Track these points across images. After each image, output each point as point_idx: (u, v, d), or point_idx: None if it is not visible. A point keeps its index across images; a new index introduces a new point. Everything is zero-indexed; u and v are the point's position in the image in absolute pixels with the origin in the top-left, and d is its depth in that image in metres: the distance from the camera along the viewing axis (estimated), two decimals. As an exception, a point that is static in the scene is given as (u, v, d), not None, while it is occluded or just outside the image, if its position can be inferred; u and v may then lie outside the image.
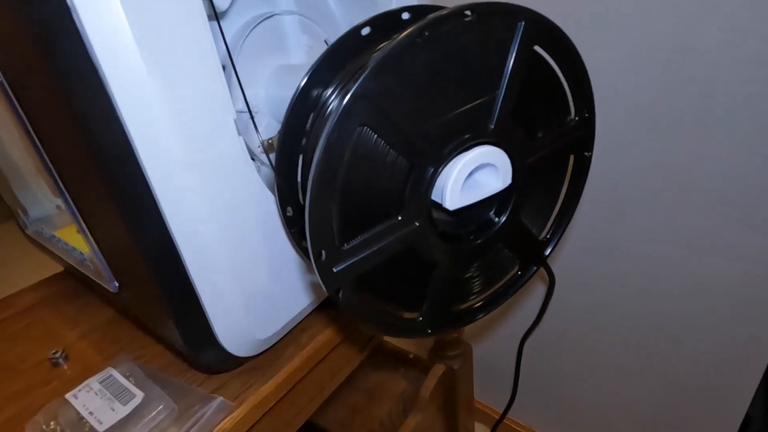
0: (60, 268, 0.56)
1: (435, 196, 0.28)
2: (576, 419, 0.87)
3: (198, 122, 0.28)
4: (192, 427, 0.33)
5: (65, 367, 0.41)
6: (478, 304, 0.36)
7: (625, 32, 0.52)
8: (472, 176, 0.30)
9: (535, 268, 0.37)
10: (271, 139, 0.36)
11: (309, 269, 0.37)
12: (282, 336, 0.39)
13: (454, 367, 0.76)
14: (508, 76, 0.26)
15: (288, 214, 0.32)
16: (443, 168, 0.27)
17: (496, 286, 0.36)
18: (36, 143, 0.32)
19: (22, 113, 0.31)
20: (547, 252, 0.37)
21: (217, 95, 0.28)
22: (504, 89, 0.27)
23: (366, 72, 0.22)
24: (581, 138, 0.33)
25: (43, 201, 0.50)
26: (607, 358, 0.76)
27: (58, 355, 0.41)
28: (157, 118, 0.26)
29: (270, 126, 0.40)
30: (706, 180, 0.54)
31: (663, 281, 0.63)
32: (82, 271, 0.43)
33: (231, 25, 0.38)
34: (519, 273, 0.36)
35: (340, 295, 0.27)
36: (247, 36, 0.39)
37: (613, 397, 0.80)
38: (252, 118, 0.34)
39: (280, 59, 0.42)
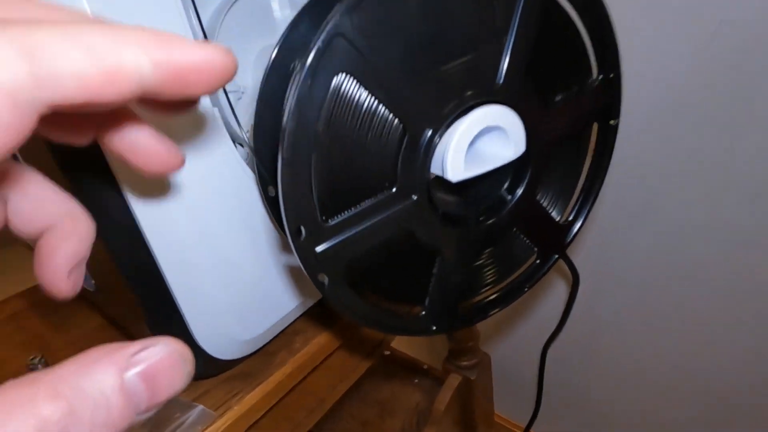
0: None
1: (435, 167, 0.24)
2: (608, 436, 0.80)
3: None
4: (167, 439, 0.29)
5: (44, 374, 0.38)
6: (490, 299, 0.31)
7: (653, 3, 0.47)
8: (479, 144, 0.25)
9: (556, 256, 0.32)
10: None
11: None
12: (271, 338, 0.35)
13: (470, 377, 0.71)
14: (518, 18, 0.22)
15: (270, 195, 0.28)
16: (443, 132, 0.23)
17: (511, 278, 0.31)
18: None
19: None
20: (569, 238, 0.32)
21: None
22: (513, 35, 0.23)
23: (344, 5, 0.18)
24: (605, 103, 0.29)
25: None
26: (641, 369, 0.70)
27: (36, 361, 0.38)
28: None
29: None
30: (746, 169, 0.49)
31: (703, 282, 0.57)
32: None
33: (207, 4, 0.36)
34: (537, 262, 0.31)
35: (326, 282, 0.23)
36: (225, 15, 0.36)
37: (649, 415, 0.72)
38: (227, 98, 0.31)
39: (268, 39, 0.39)
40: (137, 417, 0.10)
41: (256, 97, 0.38)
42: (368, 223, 0.23)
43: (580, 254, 0.66)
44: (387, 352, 0.90)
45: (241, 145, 0.33)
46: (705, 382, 0.64)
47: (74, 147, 0.23)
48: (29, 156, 0.28)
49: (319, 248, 0.22)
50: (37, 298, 0.50)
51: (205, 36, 0.30)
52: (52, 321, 0.46)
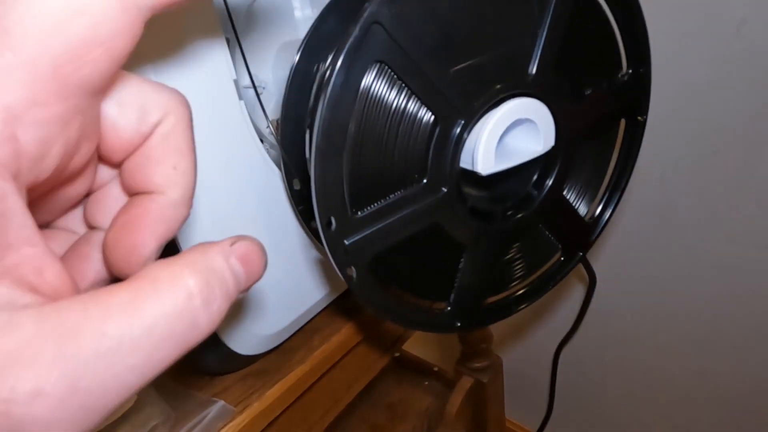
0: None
1: (465, 160, 0.24)
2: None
3: (189, 79, 0.24)
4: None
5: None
6: (514, 296, 0.31)
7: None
8: (509, 138, 0.25)
9: (581, 254, 0.31)
10: (278, 120, 0.33)
11: (320, 252, 0.33)
12: (291, 334, 0.34)
13: (482, 380, 0.70)
14: (552, 10, 0.22)
15: (295, 188, 0.28)
16: (474, 123, 0.23)
17: (535, 276, 0.31)
18: None
19: None
20: (594, 236, 0.32)
21: (212, 51, 0.25)
22: (546, 29, 0.23)
23: (381, -7, 0.18)
24: (634, 98, 0.29)
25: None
26: (657, 374, 0.68)
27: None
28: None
29: (279, 107, 0.37)
30: (768, 167, 0.48)
31: (722, 285, 0.56)
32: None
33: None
34: (562, 260, 0.31)
35: (354, 275, 0.23)
36: (251, 5, 0.36)
37: (664, 422, 0.71)
38: (257, 92, 0.31)
39: (288, 36, 0.39)
40: (240, 294, 0.12)
41: (276, 92, 0.38)
42: (397, 216, 0.23)
43: (596, 256, 0.65)
44: (397, 354, 0.89)
45: (261, 141, 0.33)
46: (723, 388, 0.62)
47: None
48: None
49: (348, 240, 0.22)
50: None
51: (232, 22, 0.29)
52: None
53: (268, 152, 0.31)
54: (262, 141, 0.32)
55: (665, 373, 0.67)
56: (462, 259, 0.26)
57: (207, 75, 0.25)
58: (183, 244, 0.26)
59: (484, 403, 0.72)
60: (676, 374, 0.66)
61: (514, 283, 0.30)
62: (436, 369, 0.81)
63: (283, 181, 0.29)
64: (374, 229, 0.23)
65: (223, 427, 0.30)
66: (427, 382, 0.80)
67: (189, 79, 0.24)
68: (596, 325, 0.71)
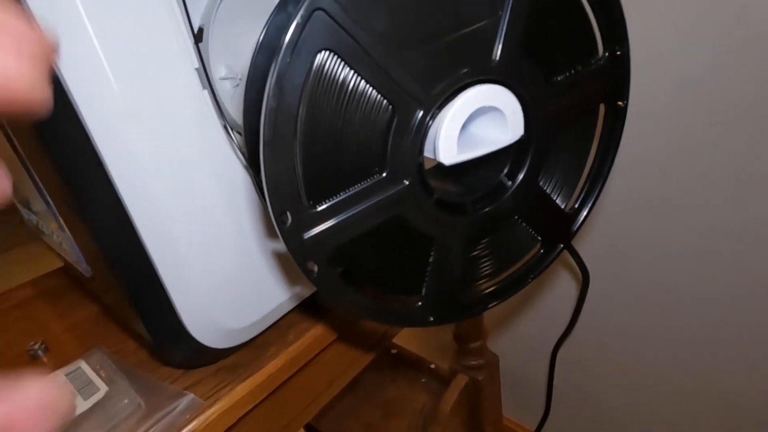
0: (59, 264, 0.54)
1: (427, 149, 0.23)
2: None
3: (142, 66, 0.24)
4: (155, 424, 0.29)
5: (44, 359, 0.38)
6: (492, 290, 0.30)
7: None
8: (475, 126, 0.24)
9: (561, 246, 0.30)
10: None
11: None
12: (262, 329, 0.34)
13: (478, 378, 0.69)
14: (512, -9, 0.21)
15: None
16: (436, 112, 0.22)
17: (513, 269, 0.30)
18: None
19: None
20: (575, 227, 0.30)
21: (165, 40, 0.25)
22: (509, 9, 0.22)
23: (322, -26, 0.17)
24: (613, 82, 0.27)
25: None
26: (657, 373, 0.67)
27: (36, 346, 0.39)
28: (95, 53, 0.22)
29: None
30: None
31: (723, 280, 0.54)
32: (63, 255, 0.40)
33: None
34: (541, 252, 0.30)
35: (314, 269, 0.22)
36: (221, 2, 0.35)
37: (664, 421, 0.69)
38: (210, 84, 0.30)
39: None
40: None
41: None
42: (359, 209, 0.22)
43: (590, 251, 0.63)
44: (394, 351, 0.88)
45: (240, 133, 0.32)
46: (724, 385, 0.60)
47: (66, 135, 0.23)
48: (19, 140, 0.28)
49: (307, 234, 0.22)
50: (44, 286, 0.51)
51: (193, 32, 0.28)
52: (57, 309, 0.46)
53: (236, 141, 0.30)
54: (240, 133, 0.32)
55: (664, 370, 0.65)
56: (432, 253, 0.25)
57: (164, 61, 0.25)
58: (143, 231, 0.26)
59: (480, 402, 0.71)
60: (675, 371, 0.64)
61: (491, 277, 0.29)
62: (432, 366, 0.80)
63: (248, 172, 0.28)
64: (335, 222, 0.22)
65: (191, 421, 0.30)
66: (423, 380, 0.79)
67: (152, 69, 0.24)
68: (593, 322, 0.69)
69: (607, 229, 0.60)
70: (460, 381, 0.69)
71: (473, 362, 0.69)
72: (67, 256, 0.39)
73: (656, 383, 0.67)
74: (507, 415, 0.90)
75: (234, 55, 0.34)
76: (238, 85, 0.36)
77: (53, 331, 0.42)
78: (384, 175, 0.23)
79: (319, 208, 0.22)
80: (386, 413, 0.74)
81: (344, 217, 0.22)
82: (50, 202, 0.32)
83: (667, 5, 0.45)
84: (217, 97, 0.27)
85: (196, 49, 0.26)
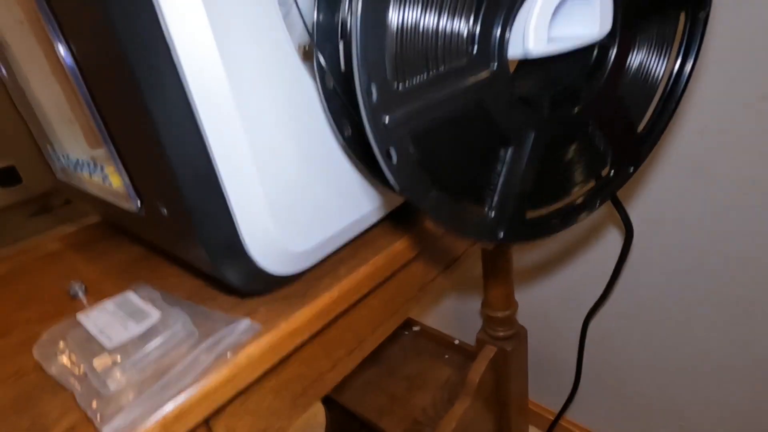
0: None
1: (515, 39, 0.22)
2: (650, 424, 0.75)
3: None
4: (214, 346, 0.28)
5: (83, 299, 0.37)
6: (559, 211, 0.29)
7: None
8: (562, 17, 0.23)
9: (632, 170, 0.29)
10: (308, 46, 0.31)
11: (353, 164, 0.31)
12: (322, 256, 0.33)
13: (506, 349, 0.68)
14: None
15: (328, 87, 0.27)
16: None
17: (584, 189, 0.29)
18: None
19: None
20: (647, 148, 0.29)
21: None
22: None
23: None
24: (693, -7, 0.26)
25: (75, 149, 0.47)
26: (693, 350, 0.65)
27: (77, 286, 0.38)
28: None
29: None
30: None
31: (764, 245, 0.53)
32: (104, 198, 0.39)
33: None
34: (612, 173, 0.29)
35: (394, 157, 0.21)
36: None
37: (698, 397, 0.67)
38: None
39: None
40: None
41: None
42: (441, 92, 0.22)
43: (631, 212, 0.62)
44: (416, 328, 0.87)
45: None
46: (761, 359, 0.59)
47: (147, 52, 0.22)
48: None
49: (389, 116, 0.21)
50: (76, 239, 0.50)
51: None
52: (90, 255, 0.45)
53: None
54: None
55: (703, 350, 0.64)
56: (507, 155, 0.25)
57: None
58: (214, 145, 0.25)
59: (507, 375, 0.70)
60: (714, 353, 0.63)
61: (560, 193, 0.28)
62: (456, 342, 0.79)
63: (316, 81, 0.27)
64: (417, 104, 0.21)
65: (247, 345, 0.28)
66: (447, 355, 0.78)
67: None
68: (628, 294, 0.68)
69: (648, 192, 0.59)
70: (489, 352, 0.67)
71: (501, 333, 0.68)
72: (111, 195, 0.38)
73: (693, 362, 0.65)
74: (531, 398, 0.88)
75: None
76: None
77: (90, 273, 0.41)
78: (472, 54, 0.22)
79: (403, 88, 0.21)
80: (410, 386, 0.73)
81: (427, 98, 0.21)
82: (105, 133, 0.31)
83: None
84: (300, 10, 0.26)
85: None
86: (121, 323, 0.30)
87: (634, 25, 0.25)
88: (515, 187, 0.26)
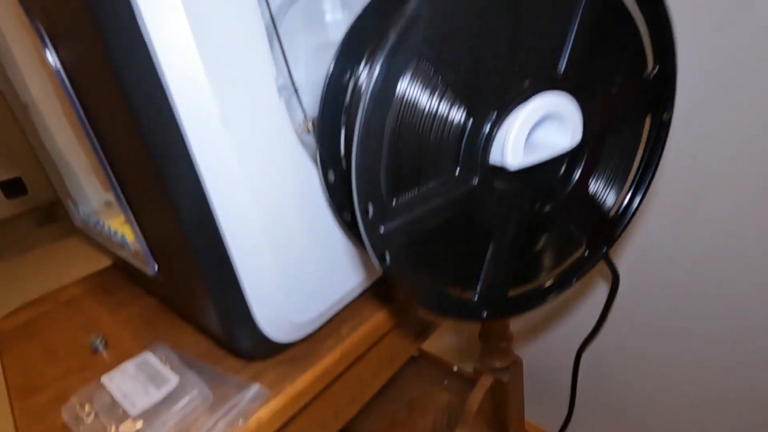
0: (107, 263, 0.57)
1: (494, 154, 0.25)
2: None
3: (238, 81, 0.26)
4: (227, 413, 0.30)
5: (104, 353, 0.40)
6: (538, 289, 0.31)
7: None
8: (537, 133, 0.26)
9: (605, 249, 0.32)
10: (313, 118, 0.34)
11: (353, 243, 0.34)
12: (322, 323, 0.36)
13: (503, 380, 0.70)
14: (580, 13, 0.23)
15: (330, 181, 0.29)
16: (505, 117, 0.24)
17: (560, 269, 0.32)
18: (84, 123, 0.32)
19: (72, 92, 0.31)
20: (618, 232, 0.32)
21: (258, 54, 0.27)
22: (575, 29, 0.24)
23: (421, -6, 0.19)
24: (660, 96, 0.29)
25: (91, 200, 0.51)
26: (683, 379, 0.68)
27: (97, 341, 0.41)
28: (197, 75, 0.25)
29: (309, 108, 0.39)
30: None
31: (750, 282, 0.55)
32: (124, 257, 0.42)
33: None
34: (586, 255, 0.32)
35: (387, 260, 0.24)
36: (285, 14, 0.38)
37: (692, 426, 0.70)
38: (295, 89, 0.33)
39: (320, 38, 0.41)
40: None
41: (307, 91, 0.40)
42: (430, 205, 0.24)
43: (619, 253, 0.65)
44: (416, 354, 0.90)
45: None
46: (751, 391, 0.61)
47: (160, 132, 0.25)
48: (113, 135, 0.30)
49: (384, 227, 0.24)
50: (93, 284, 0.53)
51: (273, 21, 0.31)
52: (107, 304, 0.48)
53: (302, 144, 0.33)
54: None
55: (691, 377, 0.66)
56: (489, 248, 0.27)
57: (253, 76, 0.27)
58: (225, 226, 0.28)
59: (504, 403, 0.73)
60: (702, 379, 0.65)
61: (539, 275, 0.31)
62: (455, 369, 0.81)
63: (318, 174, 0.30)
64: (408, 216, 0.24)
65: (258, 410, 0.31)
66: (446, 381, 0.80)
67: (239, 79, 0.26)
68: (619, 325, 0.70)
69: (635, 230, 0.62)
70: (486, 381, 0.70)
71: (498, 364, 0.71)
72: (127, 253, 0.41)
73: (682, 389, 0.68)
74: (529, 419, 0.91)
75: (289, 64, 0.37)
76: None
77: (109, 326, 0.44)
78: (456, 174, 0.25)
79: (396, 203, 0.24)
80: (411, 411, 0.76)
81: (417, 211, 0.24)
82: (122, 199, 0.34)
83: (697, 12, 0.47)
84: (302, 104, 0.29)
85: (284, 62, 0.28)
86: (143, 388, 0.33)
87: (604, 132, 0.28)
88: (497, 274, 0.28)
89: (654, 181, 0.32)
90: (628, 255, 0.64)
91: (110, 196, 0.41)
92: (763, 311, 0.56)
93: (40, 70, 0.41)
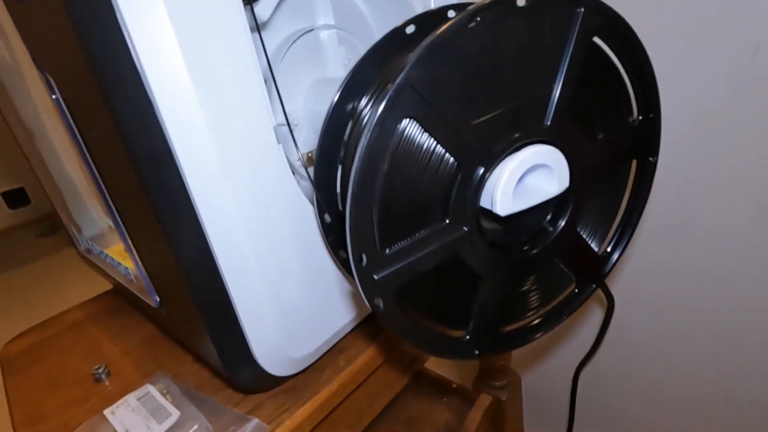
0: (108, 286, 0.57)
1: (484, 200, 0.26)
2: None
3: (237, 129, 0.27)
4: (226, 449, 0.31)
5: (107, 382, 0.41)
6: (530, 325, 0.32)
7: (693, 25, 0.48)
8: (526, 179, 0.27)
9: (594, 286, 0.33)
10: (310, 152, 0.35)
11: (348, 281, 0.35)
12: (319, 356, 0.37)
13: (501, 398, 0.71)
14: (565, 68, 0.24)
15: (326, 222, 0.30)
16: (493, 169, 0.25)
17: (550, 306, 0.32)
18: (88, 161, 0.33)
19: (77, 133, 0.32)
20: (607, 269, 0.33)
21: (256, 103, 0.28)
22: (561, 83, 0.25)
23: (413, 59, 0.20)
24: (645, 141, 0.30)
25: (96, 220, 0.52)
26: (679, 396, 0.68)
27: (100, 370, 0.41)
28: (197, 124, 0.26)
29: (309, 140, 0.40)
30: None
31: (742, 305, 0.56)
32: (127, 286, 0.43)
33: (270, 40, 0.39)
34: (576, 291, 0.33)
35: (381, 306, 0.25)
36: (286, 51, 0.39)
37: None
38: (291, 131, 0.34)
39: (318, 73, 0.42)
40: None
41: (306, 125, 0.41)
42: (422, 252, 0.25)
43: (614, 276, 0.66)
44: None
45: (292, 173, 0.35)
46: (747, 412, 0.62)
47: (159, 172, 0.26)
48: (113, 172, 0.31)
49: (377, 275, 0.24)
50: (96, 308, 0.54)
51: (269, 65, 0.32)
52: (109, 330, 0.49)
53: (298, 183, 0.34)
54: (293, 173, 0.35)
55: (687, 395, 0.67)
56: (480, 289, 0.28)
57: (251, 124, 0.28)
58: (224, 268, 0.29)
59: (503, 421, 0.73)
60: (698, 397, 0.66)
61: (529, 313, 0.31)
62: (454, 386, 0.81)
63: (315, 215, 0.31)
64: (401, 264, 0.25)
65: (257, 443, 0.32)
66: (445, 399, 0.81)
67: (238, 127, 0.27)
68: (616, 346, 0.71)
69: (628, 254, 0.63)
70: (484, 401, 0.70)
71: (497, 383, 0.71)
72: (131, 286, 0.42)
73: (678, 406, 0.68)
74: (527, 435, 0.91)
75: (287, 98, 0.38)
76: (296, 126, 0.40)
77: (111, 353, 0.45)
78: (446, 222, 0.26)
79: (389, 252, 0.25)
80: (410, 428, 0.76)
81: (409, 259, 0.25)
82: (127, 237, 0.35)
83: (685, 39, 0.49)
84: (299, 153, 0.30)
85: (282, 108, 0.29)
86: (145, 422, 0.33)
87: (591, 176, 0.29)
88: (488, 314, 0.29)
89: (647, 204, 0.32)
90: (623, 277, 0.65)
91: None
92: (758, 329, 0.56)
93: (49, 106, 0.43)
